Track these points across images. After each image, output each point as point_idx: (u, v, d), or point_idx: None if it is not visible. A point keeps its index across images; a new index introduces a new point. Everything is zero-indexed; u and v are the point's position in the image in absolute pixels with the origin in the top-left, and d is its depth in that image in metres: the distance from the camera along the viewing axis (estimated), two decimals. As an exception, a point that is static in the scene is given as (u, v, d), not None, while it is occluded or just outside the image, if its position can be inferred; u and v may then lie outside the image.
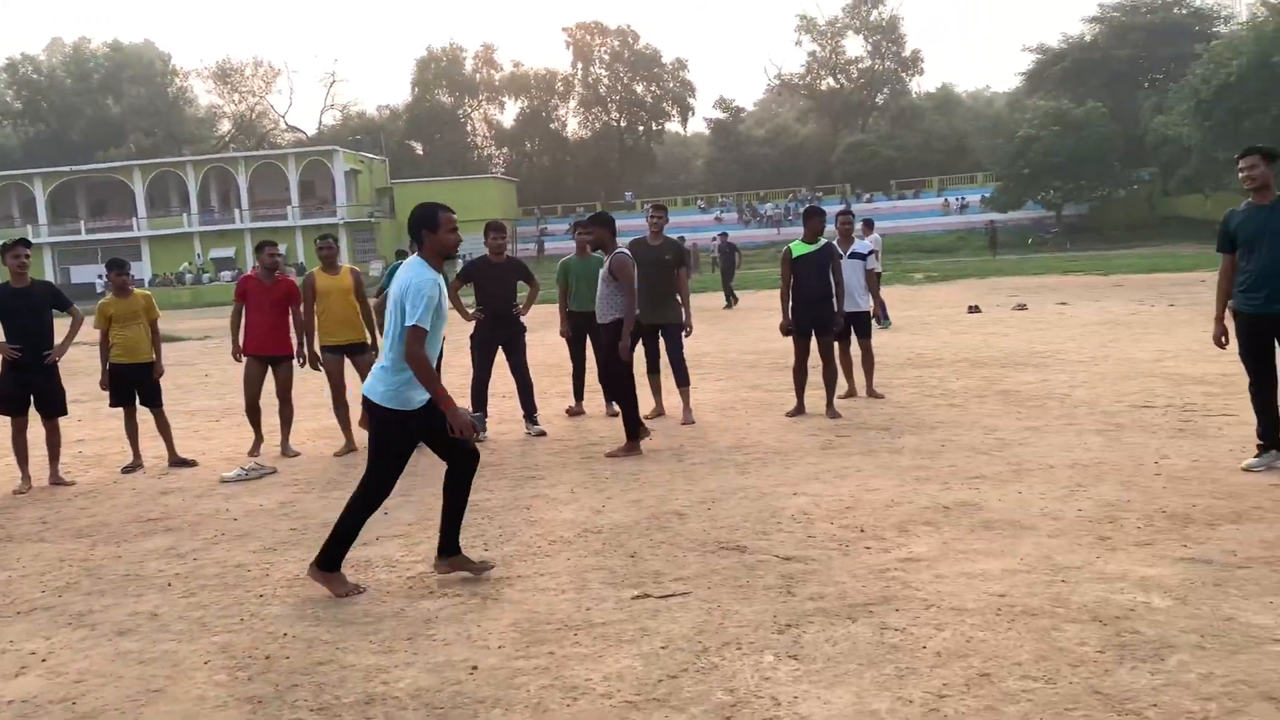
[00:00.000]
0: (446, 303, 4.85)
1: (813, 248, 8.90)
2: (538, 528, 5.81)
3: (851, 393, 9.78)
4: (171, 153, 73.73)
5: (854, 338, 9.74)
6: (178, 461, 8.32)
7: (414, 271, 4.75)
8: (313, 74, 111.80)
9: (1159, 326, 14.73)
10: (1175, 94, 46.76)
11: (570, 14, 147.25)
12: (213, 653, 4.17)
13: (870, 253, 10.10)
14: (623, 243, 8.28)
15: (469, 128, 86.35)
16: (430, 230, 4.81)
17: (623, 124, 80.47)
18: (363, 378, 8.33)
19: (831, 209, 11.11)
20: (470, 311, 8.88)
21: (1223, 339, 6.52)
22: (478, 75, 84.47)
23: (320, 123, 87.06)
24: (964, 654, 3.72)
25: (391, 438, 4.80)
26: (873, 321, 10.17)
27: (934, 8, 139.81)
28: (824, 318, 8.90)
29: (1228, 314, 6.45)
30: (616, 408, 8.54)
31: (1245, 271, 6.25)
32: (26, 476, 7.76)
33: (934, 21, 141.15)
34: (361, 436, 8.45)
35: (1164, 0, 58.33)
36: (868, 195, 64.37)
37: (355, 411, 8.59)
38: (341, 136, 76.73)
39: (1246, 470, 6.18)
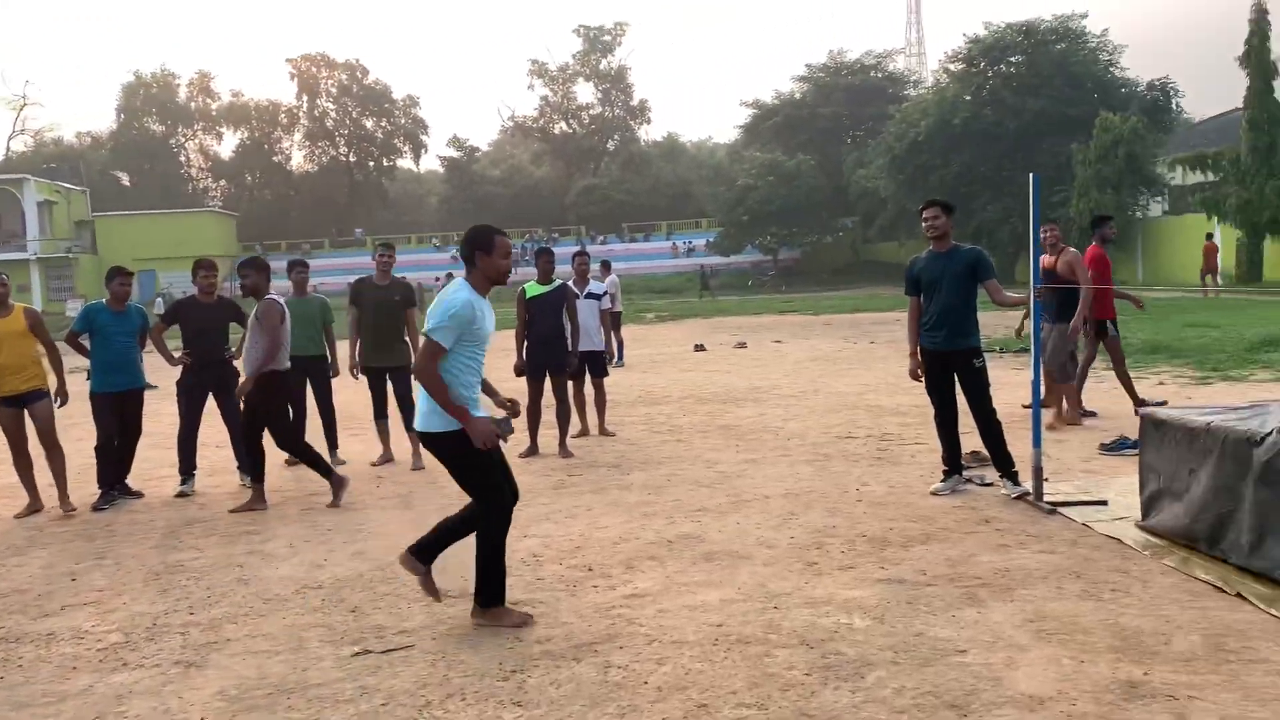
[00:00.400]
0: (488, 329, 4.63)
1: (547, 289, 8.99)
2: (251, 586, 5.46)
3: (584, 431, 9.91)
4: None
5: (589, 377, 9.88)
6: None
7: (452, 290, 4.56)
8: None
9: (861, 362, 15.95)
10: (873, 149, 51.19)
11: (295, 45, 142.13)
12: None
13: (605, 293, 10.29)
14: (349, 281, 8.02)
15: (183, 158, 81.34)
16: (485, 253, 4.61)
17: (352, 159, 78.44)
18: (40, 427, 7.56)
19: (567, 250, 11.30)
20: (176, 355, 8.28)
21: (918, 372, 7.11)
22: (193, 103, 79.80)
23: (8, 149, 79.07)
24: (683, 686, 3.82)
25: (470, 455, 4.56)
26: (606, 361, 10.36)
27: (660, 61, 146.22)
28: (558, 358, 8.98)
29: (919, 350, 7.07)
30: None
31: (928, 313, 6.90)
32: None
33: (660, 74, 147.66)
34: (50, 495, 7.66)
35: (863, 64, 63.78)
36: (601, 237, 66.03)
37: (40, 467, 7.78)
38: (34, 164, 70.00)
39: (934, 494, 6.78)
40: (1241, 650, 3.92)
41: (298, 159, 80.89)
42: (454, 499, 7.43)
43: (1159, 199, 40.50)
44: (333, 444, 9.25)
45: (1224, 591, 4.61)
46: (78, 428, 11.06)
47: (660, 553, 5.70)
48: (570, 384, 9.26)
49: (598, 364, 9.89)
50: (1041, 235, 9.67)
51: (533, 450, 9.05)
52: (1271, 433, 4.75)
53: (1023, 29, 43.36)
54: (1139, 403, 9.23)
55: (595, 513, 6.78)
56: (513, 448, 9.32)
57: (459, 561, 4.91)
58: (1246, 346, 13.91)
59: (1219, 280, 27.97)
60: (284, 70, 79.45)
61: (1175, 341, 15.08)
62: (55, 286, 60.52)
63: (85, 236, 64.72)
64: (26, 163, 72.58)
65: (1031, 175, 6.77)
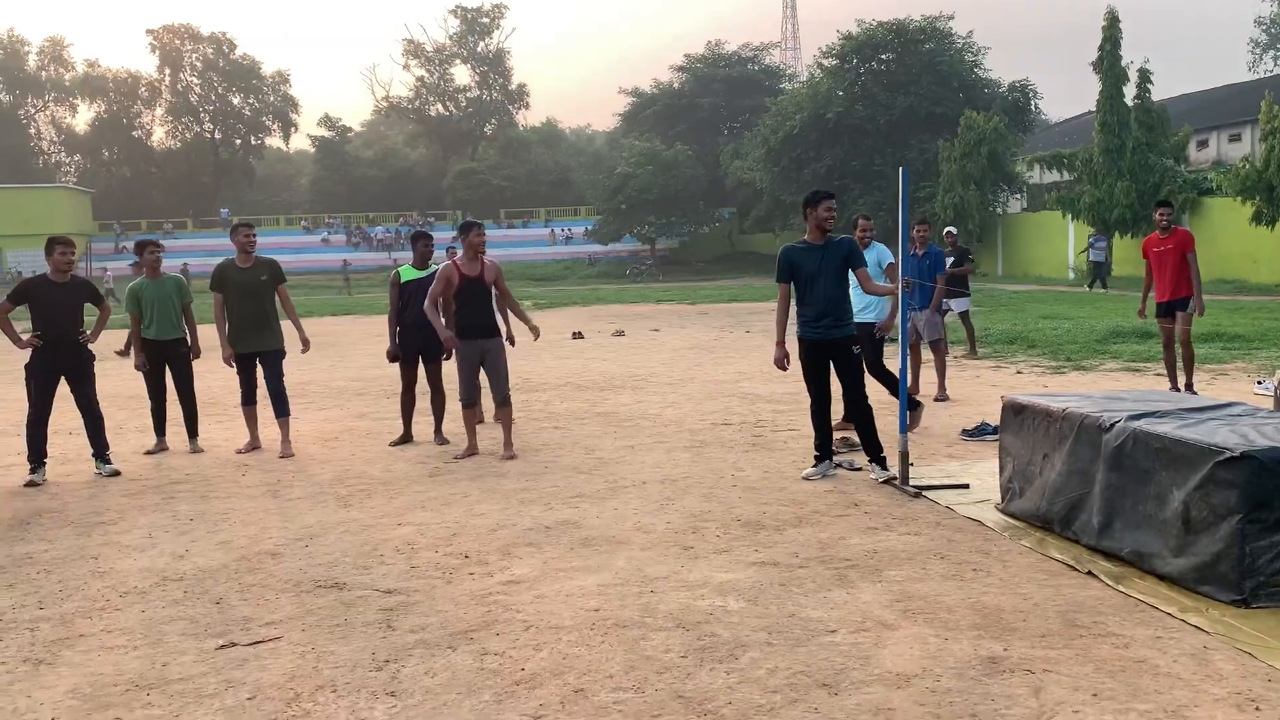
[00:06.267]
0: None
1: (422, 273, 8.81)
2: (107, 579, 5.21)
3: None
4: None
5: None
6: None
7: None
8: None
9: (737, 351, 16.19)
10: (750, 141, 51.95)
11: (156, 15, 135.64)
12: None
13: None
14: (213, 264, 7.69)
15: (33, 130, 76.90)
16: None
17: (217, 136, 75.49)
18: None
19: (445, 235, 11.05)
20: (25, 338, 7.83)
21: (785, 362, 7.22)
22: (44, 73, 75.47)
23: None
24: (560, 671, 3.81)
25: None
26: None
27: (539, 46, 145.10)
28: (432, 344, 8.83)
29: (791, 340, 7.18)
30: None
31: (809, 304, 7.01)
32: None
33: (539, 59, 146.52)
34: None
35: (740, 56, 64.62)
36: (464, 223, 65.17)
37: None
38: None
39: (806, 479, 6.93)
40: (1092, 625, 4.13)
41: (159, 135, 77.52)
42: (324, 484, 7.26)
43: (1018, 196, 42.37)
44: (192, 432, 8.89)
45: (1076, 570, 4.85)
46: (-87, 414, 10.38)
47: (538, 539, 5.68)
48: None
49: None
50: (912, 233, 10.17)
51: (406, 438, 8.88)
52: (1120, 419, 5.01)
53: (894, 28, 44.58)
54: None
55: (472, 500, 6.70)
56: (385, 435, 9.17)
57: None
58: (1097, 338, 14.68)
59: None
60: (144, 41, 75.98)
61: (1031, 332, 15.79)
62: (-112, 263, 56.65)
63: (-77, 210, 60.58)
64: None
65: (901, 168, 6.96)
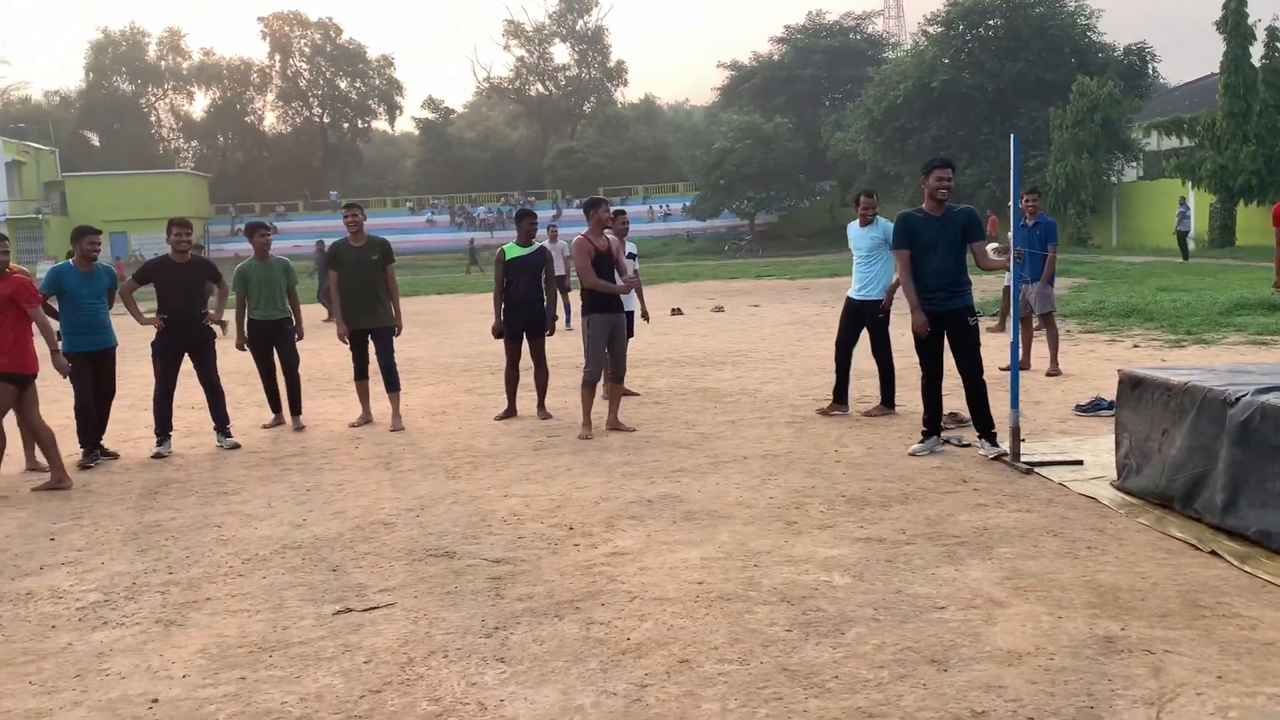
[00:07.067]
0: None
1: (526, 251, 8.90)
2: (230, 546, 5.44)
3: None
4: None
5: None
6: None
7: None
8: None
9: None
10: (852, 113, 50.96)
11: (266, 3, 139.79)
12: None
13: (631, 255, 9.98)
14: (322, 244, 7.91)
15: (153, 118, 79.98)
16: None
17: (326, 120, 77.35)
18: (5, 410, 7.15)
19: (545, 214, 11.15)
20: (148, 316, 8.18)
21: (926, 327, 6.78)
22: (163, 62, 78.36)
23: (-26, 108, 77.60)
24: (665, 642, 3.84)
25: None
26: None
27: (637, 22, 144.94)
28: (536, 320, 8.93)
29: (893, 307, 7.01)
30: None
31: (925, 274, 6.80)
32: None
33: (637, 35, 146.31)
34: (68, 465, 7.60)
35: (842, 25, 63.39)
36: (577, 201, 65.57)
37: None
38: (2, 124, 68.76)
39: (912, 455, 6.81)
40: (1216, 605, 3.98)
41: (270, 120, 79.69)
42: (433, 457, 7.44)
43: (1134, 164, 40.70)
44: (295, 409, 9.10)
45: (1198, 549, 4.68)
46: (52, 389, 10.97)
47: (641, 512, 5.72)
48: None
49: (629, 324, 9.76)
50: (1021, 204, 9.86)
51: (510, 412, 9.02)
52: (1247, 393, 4.80)
53: (1002, -8, 43.17)
54: None
55: (575, 473, 6.78)
56: (490, 410, 9.33)
57: None
58: (1220, 310, 14.03)
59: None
60: (256, 29, 78.26)
61: (1149, 305, 15.19)
62: (25, 248, 59.63)
63: (55, 198, 63.69)
64: (-7, 122, 71.27)
65: (1012, 136, 6.75)
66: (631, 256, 9.83)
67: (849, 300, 8.61)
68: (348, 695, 3.52)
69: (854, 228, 8.57)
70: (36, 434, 7.13)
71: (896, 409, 8.33)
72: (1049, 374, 9.87)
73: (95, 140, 76.61)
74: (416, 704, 3.43)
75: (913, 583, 4.38)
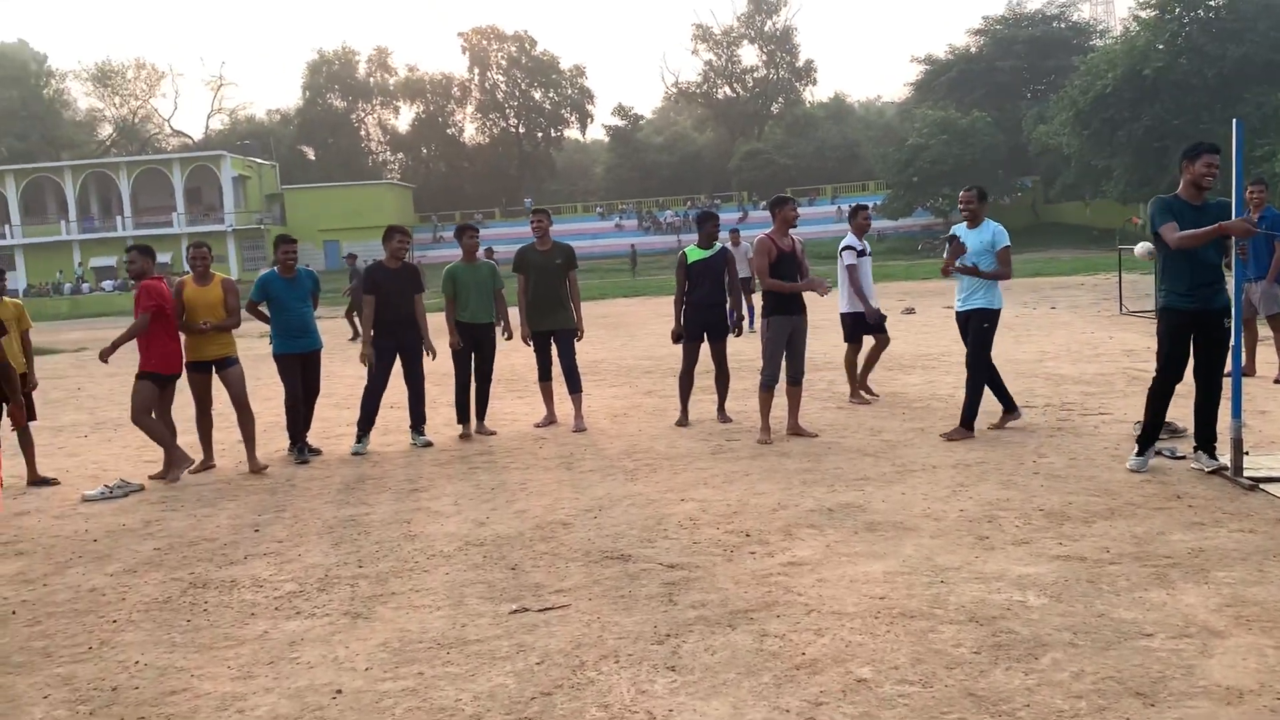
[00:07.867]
0: None
1: (708, 253, 8.82)
2: (416, 542, 5.61)
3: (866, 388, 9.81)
4: (48, 157, 70.64)
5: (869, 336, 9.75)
6: (37, 480, 7.84)
7: None
8: (199, 77, 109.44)
9: (1040, 329, 15.17)
10: (1055, 104, 48.40)
11: (466, 18, 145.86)
12: (54, 685, 3.88)
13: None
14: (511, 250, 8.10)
15: (363, 132, 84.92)
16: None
17: (521, 130, 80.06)
18: (232, 391, 7.98)
19: (730, 217, 11.07)
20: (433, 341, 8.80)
21: None
22: (371, 79, 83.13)
23: (207, 127, 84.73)
24: (842, 659, 3.68)
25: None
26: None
27: (827, 19, 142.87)
28: (718, 322, 8.84)
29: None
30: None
31: (1179, 269, 6.14)
32: None
33: (826, 32, 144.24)
34: (215, 452, 8.13)
35: (1044, 14, 60.49)
36: (764, 203, 65.24)
37: (224, 428, 8.25)
38: (229, 141, 74.66)
39: (1132, 470, 6.22)
40: None
41: (470, 131, 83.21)
42: (613, 458, 7.47)
43: (1381, 151, 36.91)
44: (481, 413, 9.11)
45: None
46: (265, 387, 11.71)
47: (820, 521, 5.54)
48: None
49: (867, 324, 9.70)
50: (1245, 195, 9.01)
51: (684, 421, 8.86)
52: None
53: (1224, -31, 40.09)
54: None
55: (753, 479, 6.65)
56: (669, 413, 9.30)
57: None
58: None
59: None
60: (456, 44, 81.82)
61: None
62: (249, 256, 64.45)
63: (274, 208, 68.56)
64: (223, 139, 77.50)
65: (1235, 121, 6.18)
66: (864, 254, 9.63)
67: (956, 315, 8.12)
68: (519, 695, 3.53)
69: (962, 229, 7.92)
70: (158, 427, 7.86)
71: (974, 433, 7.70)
72: (1276, 381, 9.02)
73: (310, 154, 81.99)
74: (585, 709, 3.40)
75: (1116, 606, 4.04)
